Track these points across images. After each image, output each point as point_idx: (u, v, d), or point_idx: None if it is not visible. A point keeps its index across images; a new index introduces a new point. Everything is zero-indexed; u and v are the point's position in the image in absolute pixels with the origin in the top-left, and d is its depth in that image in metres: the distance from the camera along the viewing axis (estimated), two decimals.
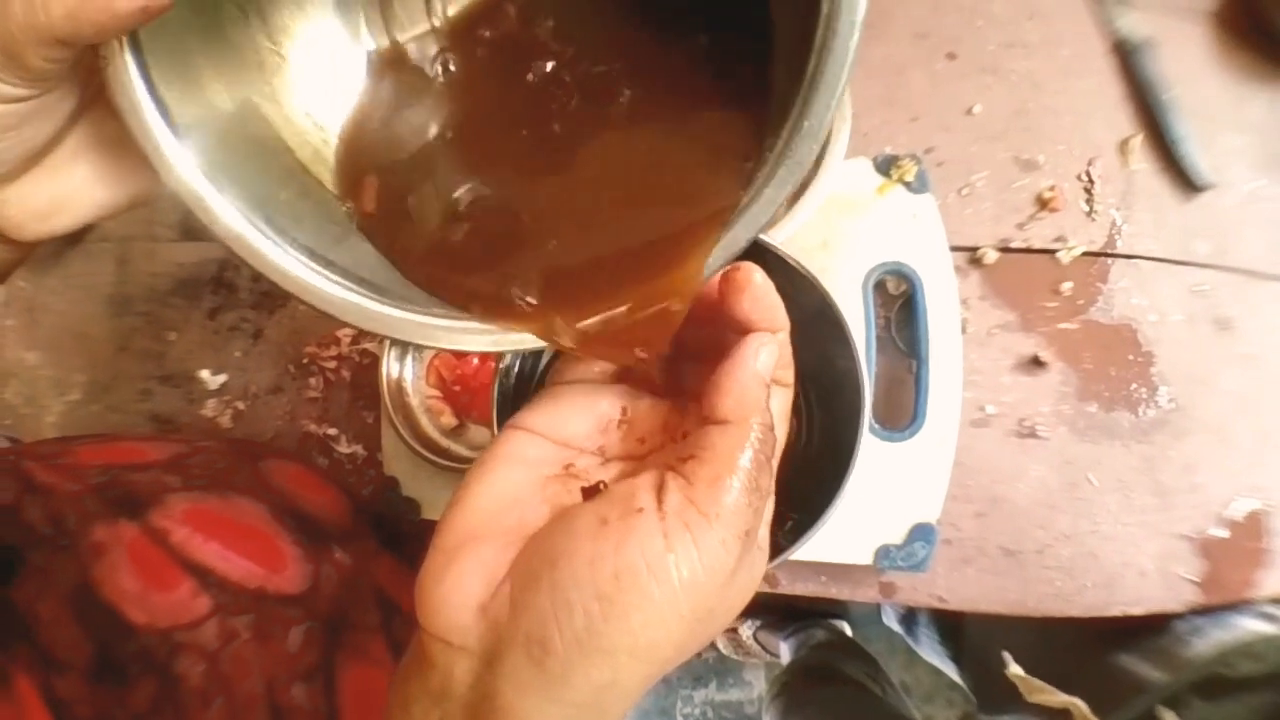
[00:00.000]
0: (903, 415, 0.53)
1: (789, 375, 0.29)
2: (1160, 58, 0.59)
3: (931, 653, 0.97)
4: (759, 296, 0.27)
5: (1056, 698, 0.51)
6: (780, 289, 0.27)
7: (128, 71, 0.24)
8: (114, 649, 0.39)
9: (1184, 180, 0.57)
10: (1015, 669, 0.54)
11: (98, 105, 0.26)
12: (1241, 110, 0.59)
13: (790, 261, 0.43)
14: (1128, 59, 0.60)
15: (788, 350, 0.28)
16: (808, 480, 0.47)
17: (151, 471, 0.47)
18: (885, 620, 1.17)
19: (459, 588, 0.25)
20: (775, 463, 0.27)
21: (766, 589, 0.56)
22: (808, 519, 0.40)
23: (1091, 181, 0.58)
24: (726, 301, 0.27)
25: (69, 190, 0.26)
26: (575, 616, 0.23)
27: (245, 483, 0.50)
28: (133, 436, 0.54)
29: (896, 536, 0.52)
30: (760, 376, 0.26)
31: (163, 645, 0.39)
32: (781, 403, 0.29)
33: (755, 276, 0.27)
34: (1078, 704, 0.49)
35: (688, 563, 0.23)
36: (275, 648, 0.43)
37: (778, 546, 0.41)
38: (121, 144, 0.25)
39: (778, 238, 0.49)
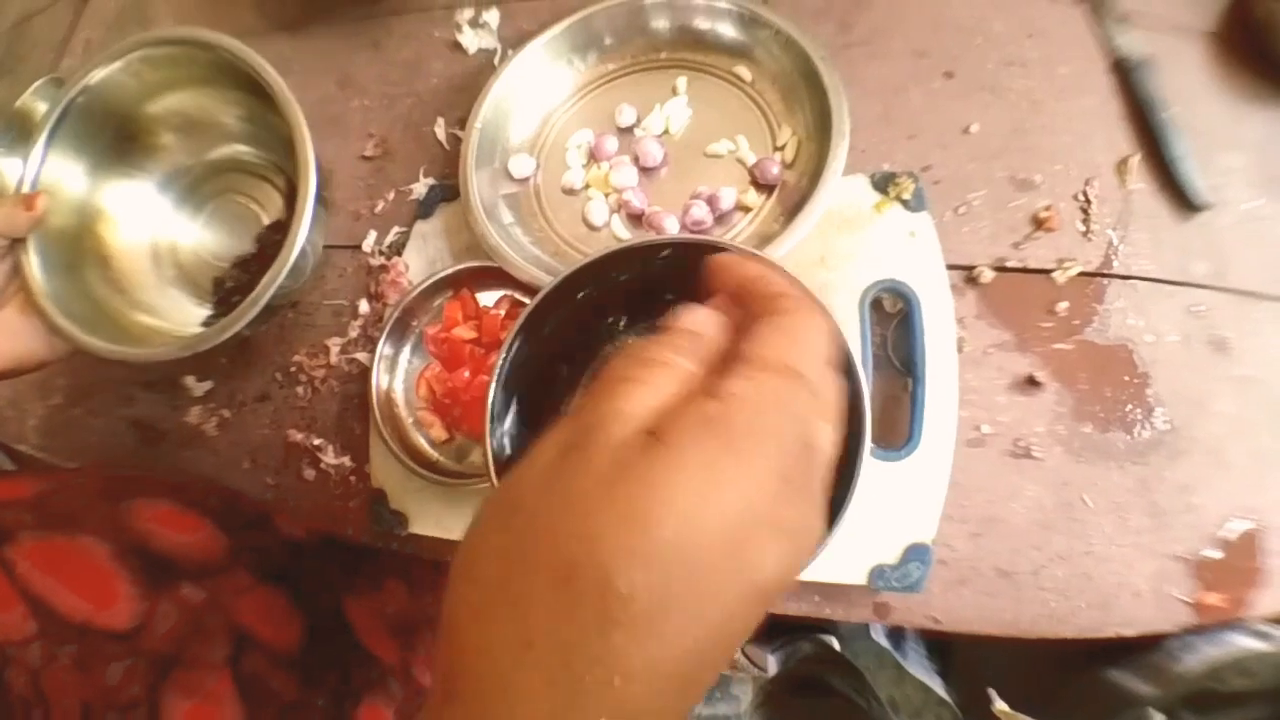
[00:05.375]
0: (898, 434, 0.52)
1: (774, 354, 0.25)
2: (1159, 77, 0.58)
3: (920, 669, 0.96)
4: (719, 267, 0.28)
5: None
6: None
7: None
8: None
9: (1182, 200, 0.57)
10: (1000, 705, 0.54)
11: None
12: (1240, 130, 0.59)
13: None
14: (1127, 78, 0.59)
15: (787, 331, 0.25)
16: None
17: (14, 509, 0.53)
18: (873, 635, 1.17)
19: None
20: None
21: None
22: None
23: (1088, 201, 0.57)
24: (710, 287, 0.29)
25: (21, 351, 0.31)
26: None
27: (96, 523, 0.54)
28: (8, 475, 0.65)
29: (891, 557, 0.51)
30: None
31: None
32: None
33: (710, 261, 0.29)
34: None
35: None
36: (94, 678, 0.47)
37: None
38: None
39: (776, 253, 0.49)
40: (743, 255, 0.39)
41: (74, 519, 0.54)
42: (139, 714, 0.47)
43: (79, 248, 0.66)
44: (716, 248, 0.45)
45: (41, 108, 0.74)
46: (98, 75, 0.64)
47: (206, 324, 0.68)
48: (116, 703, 0.47)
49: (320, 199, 0.60)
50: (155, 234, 0.72)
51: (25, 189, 0.62)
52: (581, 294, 0.47)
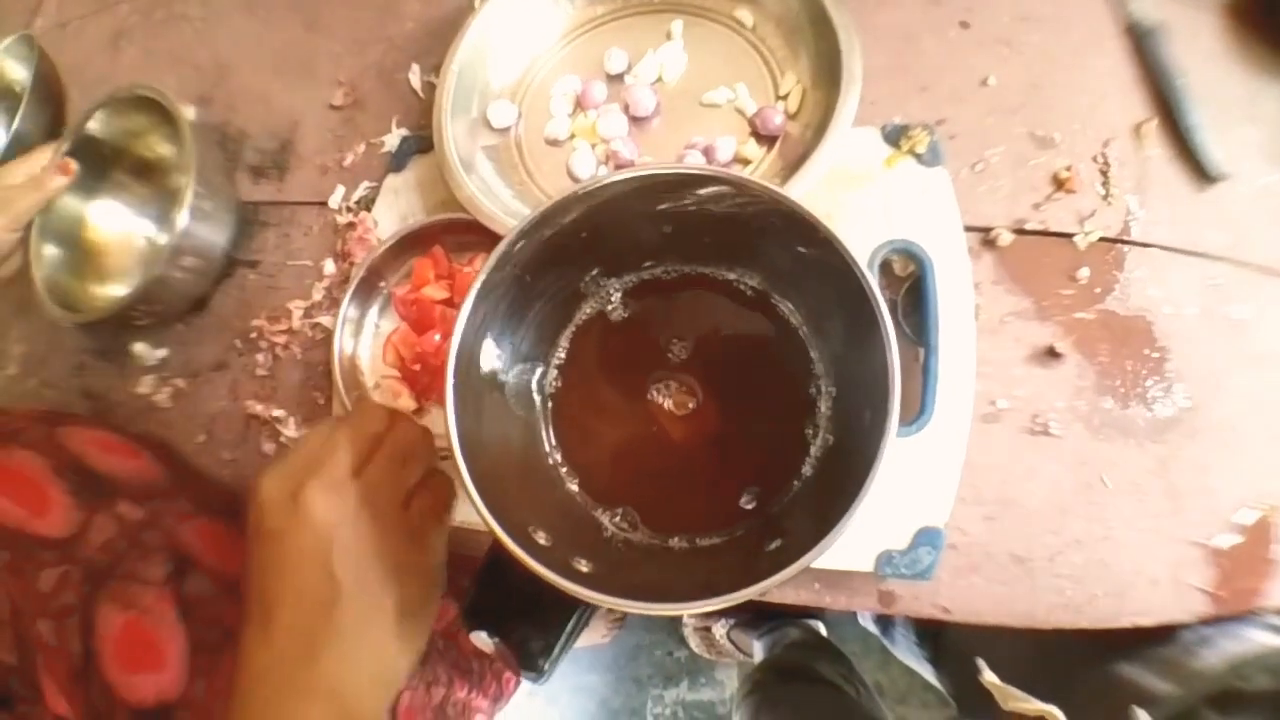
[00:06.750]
0: (909, 408, 0.48)
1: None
2: (1173, 45, 0.55)
3: (908, 654, 0.94)
4: None
5: (1033, 705, 0.47)
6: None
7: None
8: None
9: (1198, 170, 0.54)
10: (989, 676, 0.51)
11: None
12: (1255, 103, 0.56)
13: (824, 231, 0.38)
14: (1140, 43, 0.56)
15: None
16: (824, 483, 0.43)
17: None
18: (861, 621, 1.15)
19: None
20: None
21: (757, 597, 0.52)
22: (821, 526, 0.36)
23: (1108, 164, 0.54)
24: None
25: None
26: None
27: (31, 440, 0.55)
28: None
29: (900, 541, 0.48)
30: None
31: None
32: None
33: None
34: (1054, 712, 0.46)
35: None
36: (25, 584, 0.47)
37: (767, 567, 0.37)
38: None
39: None
40: (761, 190, 0.36)
41: (10, 436, 0.54)
42: (73, 623, 0.47)
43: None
44: (727, 181, 0.41)
45: (11, 65, 0.78)
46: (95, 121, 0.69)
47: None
48: (50, 610, 0.47)
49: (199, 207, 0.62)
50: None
51: None
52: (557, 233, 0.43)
